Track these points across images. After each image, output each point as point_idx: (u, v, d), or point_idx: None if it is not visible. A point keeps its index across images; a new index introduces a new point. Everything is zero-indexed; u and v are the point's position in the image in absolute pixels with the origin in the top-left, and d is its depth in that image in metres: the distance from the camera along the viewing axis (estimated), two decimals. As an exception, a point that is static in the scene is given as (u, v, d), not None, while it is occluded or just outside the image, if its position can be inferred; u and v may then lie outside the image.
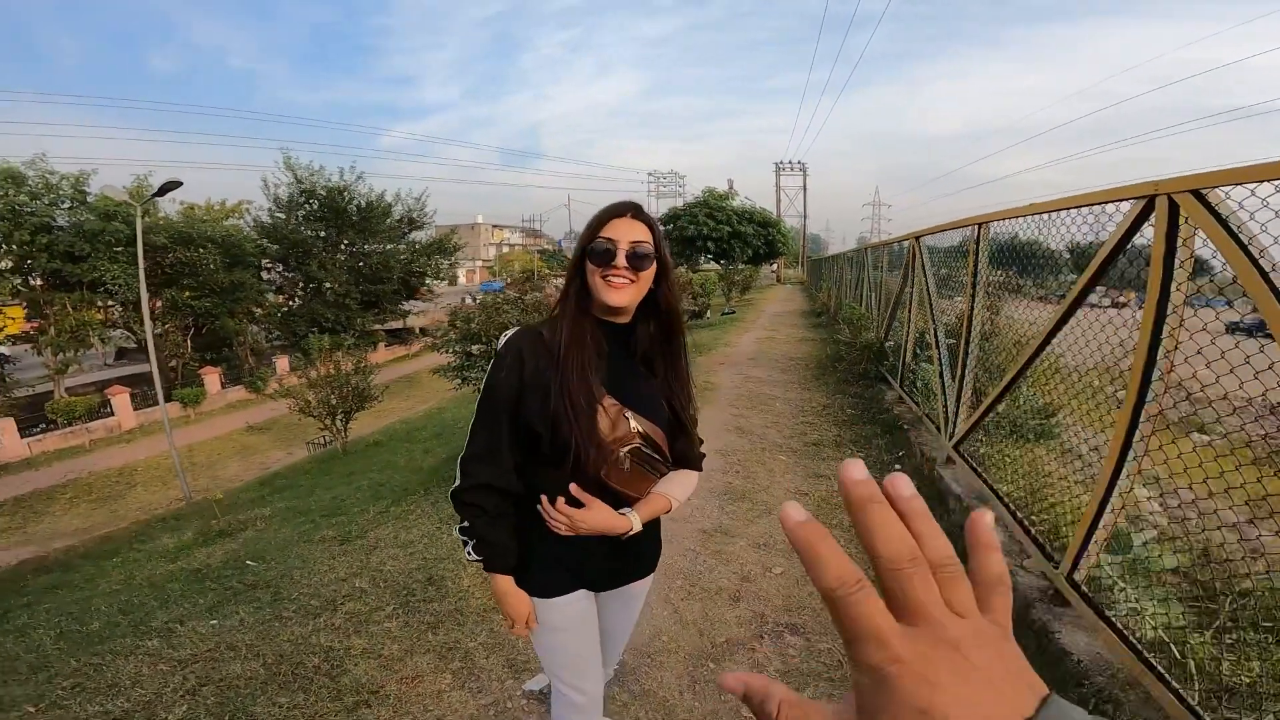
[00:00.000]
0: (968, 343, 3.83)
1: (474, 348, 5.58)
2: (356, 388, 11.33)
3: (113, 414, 18.39)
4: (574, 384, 1.25)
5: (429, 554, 3.54)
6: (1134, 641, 1.91)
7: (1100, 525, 2.15)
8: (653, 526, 1.45)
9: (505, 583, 1.37)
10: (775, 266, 48.25)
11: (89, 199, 19.71)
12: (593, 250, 1.27)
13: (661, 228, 1.33)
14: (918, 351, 5.72)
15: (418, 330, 31.96)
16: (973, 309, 3.80)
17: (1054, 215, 2.80)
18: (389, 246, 28.38)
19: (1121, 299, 2.53)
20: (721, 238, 34.32)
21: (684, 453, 1.46)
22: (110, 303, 20.41)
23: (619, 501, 1.34)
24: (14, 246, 18.10)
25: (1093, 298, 2.49)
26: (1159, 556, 2.19)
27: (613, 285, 1.26)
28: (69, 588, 5.35)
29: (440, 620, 2.80)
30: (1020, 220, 3.25)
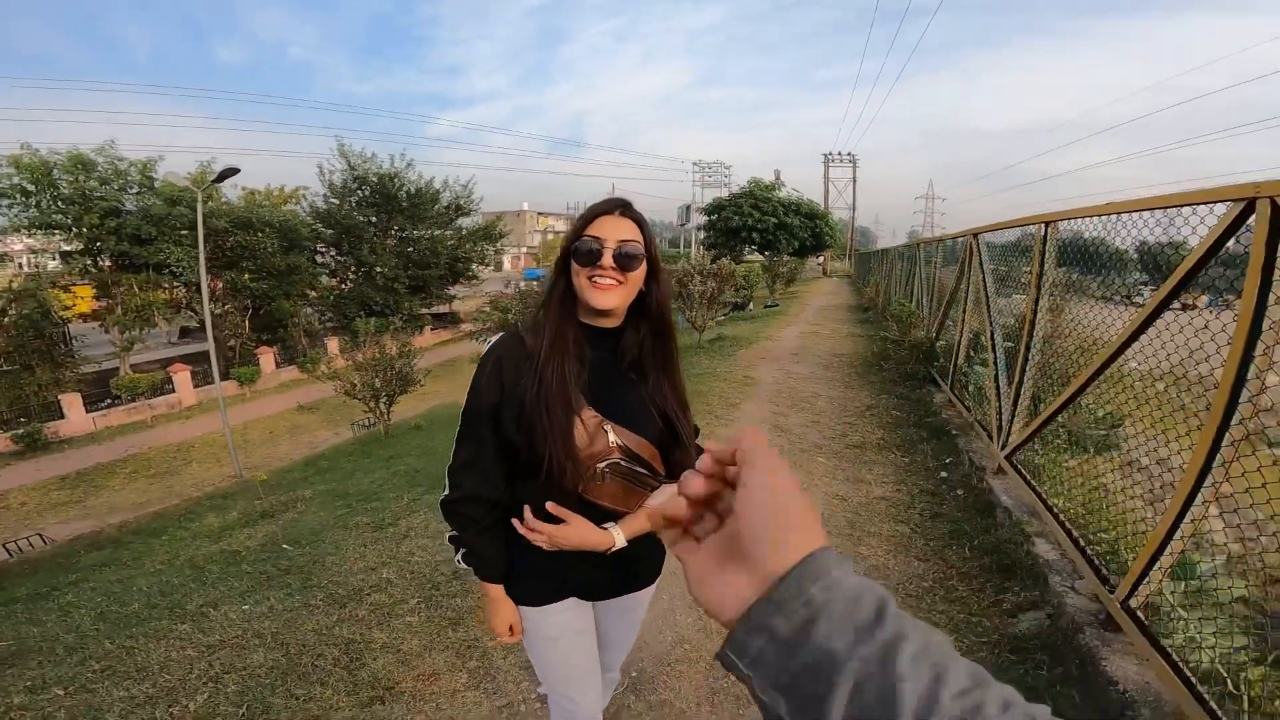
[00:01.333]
0: (1028, 346, 3.59)
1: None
2: (400, 371, 11.55)
3: (174, 391, 19.27)
4: (551, 394, 1.18)
5: (457, 546, 3.52)
6: (1186, 672, 1.79)
7: (1167, 551, 1.98)
8: (650, 538, 1.37)
9: (495, 591, 1.36)
10: (821, 259, 47.27)
11: (155, 184, 20.65)
12: (577, 250, 1.19)
13: (651, 228, 1.26)
14: (971, 353, 5.44)
15: (462, 315, 32.54)
16: (1035, 311, 3.55)
17: (1130, 216, 2.56)
18: (436, 232, 28.93)
19: (1194, 302, 2.30)
20: (767, 229, 33.80)
21: (680, 465, 1.35)
22: (175, 284, 21.38)
23: (605, 517, 1.27)
24: (83, 229, 19.15)
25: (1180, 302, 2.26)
26: (1227, 586, 2.00)
27: (599, 286, 1.19)
28: (117, 565, 5.56)
29: (462, 617, 2.77)
30: (1093, 220, 3.00)
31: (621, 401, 1.27)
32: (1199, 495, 1.87)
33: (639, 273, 1.22)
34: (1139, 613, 2.08)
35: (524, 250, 70.99)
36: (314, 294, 26.59)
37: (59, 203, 18.87)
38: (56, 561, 7.59)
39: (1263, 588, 1.96)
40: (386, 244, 27.34)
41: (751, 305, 20.51)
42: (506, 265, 52.25)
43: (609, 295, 1.19)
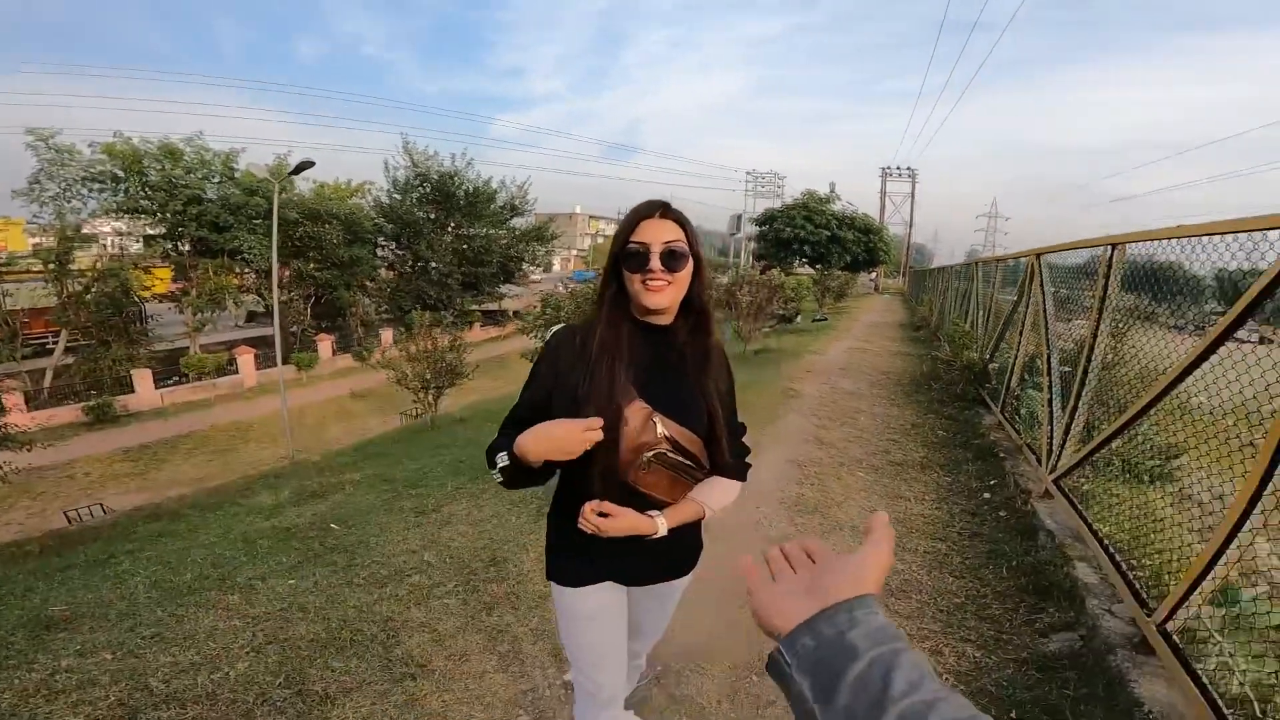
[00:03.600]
0: (1085, 371, 3.48)
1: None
2: (450, 364, 11.85)
3: (237, 372, 20.23)
4: (601, 386, 1.23)
5: (496, 534, 3.62)
6: (1214, 695, 1.78)
7: (1210, 575, 1.94)
8: (691, 529, 1.41)
9: (520, 439, 1.18)
10: (874, 275, 46.31)
11: (236, 175, 21.80)
12: (626, 256, 1.25)
13: (694, 226, 1.28)
14: (1025, 377, 5.28)
15: (511, 313, 33.16)
16: (1096, 335, 3.44)
17: (1204, 240, 2.47)
18: (491, 231, 29.55)
19: (1273, 335, 2.21)
20: (819, 241, 33.38)
21: (724, 460, 1.39)
22: (246, 269, 22.50)
23: (650, 506, 1.31)
24: (168, 215, 20.37)
25: (1241, 332, 2.18)
26: (1268, 614, 1.93)
27: (650, 289, 1.24)
28: (173, 536, 5.79)
29: (496, 602, 2.85)
30: (1161, 243, 2.90)
31: (671, 394, 1.31)
32: (1248, 522, 1.81)
33: (686, 270, 1.27)
34: (1174, 636, 2.06)
35: (574, 253, 71.80)
36: (372, 285, 27.52)
37: (146, 189, 20.08)
38: (115, 531, 7.94)
39: None
40: (443, 240, 28.09)
41: (800, 318, 20.25)
42: (556, 266, 52.98)
43: (660, 296, 1.24)
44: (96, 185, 19.76)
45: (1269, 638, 1.92)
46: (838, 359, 10.52)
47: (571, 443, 1.13)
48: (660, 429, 1.27)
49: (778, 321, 17.48)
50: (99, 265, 18.62)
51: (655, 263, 1.22)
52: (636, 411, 1.26)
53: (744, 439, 1.48)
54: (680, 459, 1.29)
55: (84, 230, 19.42)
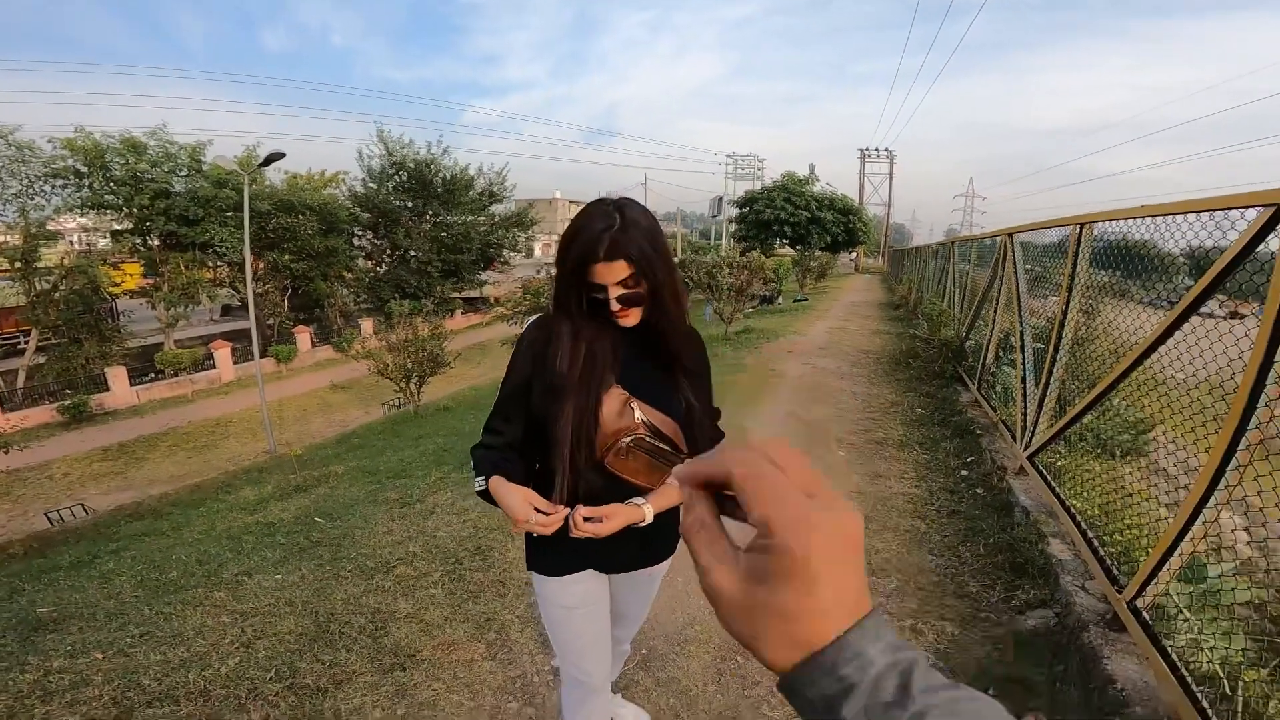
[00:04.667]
0: (1057, 347, 3.56)
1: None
2: (431, 353, 11.79)
3: (214, 367, 19.95)
4: (580, 372, 1.25)
5: (481, 523, 3.64)
6: (1184, 672, 1.81)
7: (1176, 552, 1.99)
8: (669, 515, 1.43)
9: (495, 483, 1.30)
10: (854, 255, 46.61)
11: (204, 167, 21.39)
12: (586, 287, 1.25)
13: (645, 244, 1.20)
14: (1000, 354, 5.38)
15: (492, 300, 32.97)
16: (1066, 312, 3.52)
17: (1168, 219, 2.53)
18: (470, 218, 29.34)
19: (1242, 310, 2.27)
20: (799, 223, 33.45)
21: (701, 444, 1.42)
22: (219, 263, 22.14)
23: (629, 490, 1.33)
24: (134, 210, 20.01)
25: (1211, 306, 2.24)
26: (1233, 590, 2.00)
27: (618, 317, 1.27)
28: (156, 535, 5.77)
29: (483, 590, 2.88)
30: (1129, 222, 2.96)
31: (648, 380, 1.33)
32: (1212, 498, 1.87)
33: (645, 292, 1.25)
34: (1144, 613, 2.10)
35: (555, 238, 71.24)
36: (350, 275, 27.23)
37: (111, 184, 19.68)
38: (98, 531, 7.88)
39: (1272, 591, 1.96)
40: (421, 228, 27.83)
41: (780, 299, 20.36)
42: (537, 251, 52.59)
43: (628, 319, 1.28)
44: (59, 181, 19.32)
45: (1236, 614, 1.98)
46: (818, 339, 10.61)
47: (518, 514, 1.22)
48: (637, 414, 1.29)
49: (759, 302, 17.58)
50: (66, 262, 18.21)
51: (615, 305, 1.24)
52: (614, 397, 1.28)
53: (718, 424, 1.51)
54: (658, 444, 1.31)
55: (48, 227, 18.92)
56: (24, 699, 2.29)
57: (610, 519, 1.27)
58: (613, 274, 1.20)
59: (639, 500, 1.33)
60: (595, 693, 1.55)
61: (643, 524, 1.33)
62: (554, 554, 1.43)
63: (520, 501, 1.23)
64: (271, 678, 2.33)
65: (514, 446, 1.38)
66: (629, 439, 1.28)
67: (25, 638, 2.91)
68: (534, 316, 1.41)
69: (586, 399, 1.25)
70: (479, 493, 1.33)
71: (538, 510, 1.23)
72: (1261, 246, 1.93)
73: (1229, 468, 1.82)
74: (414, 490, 4.54)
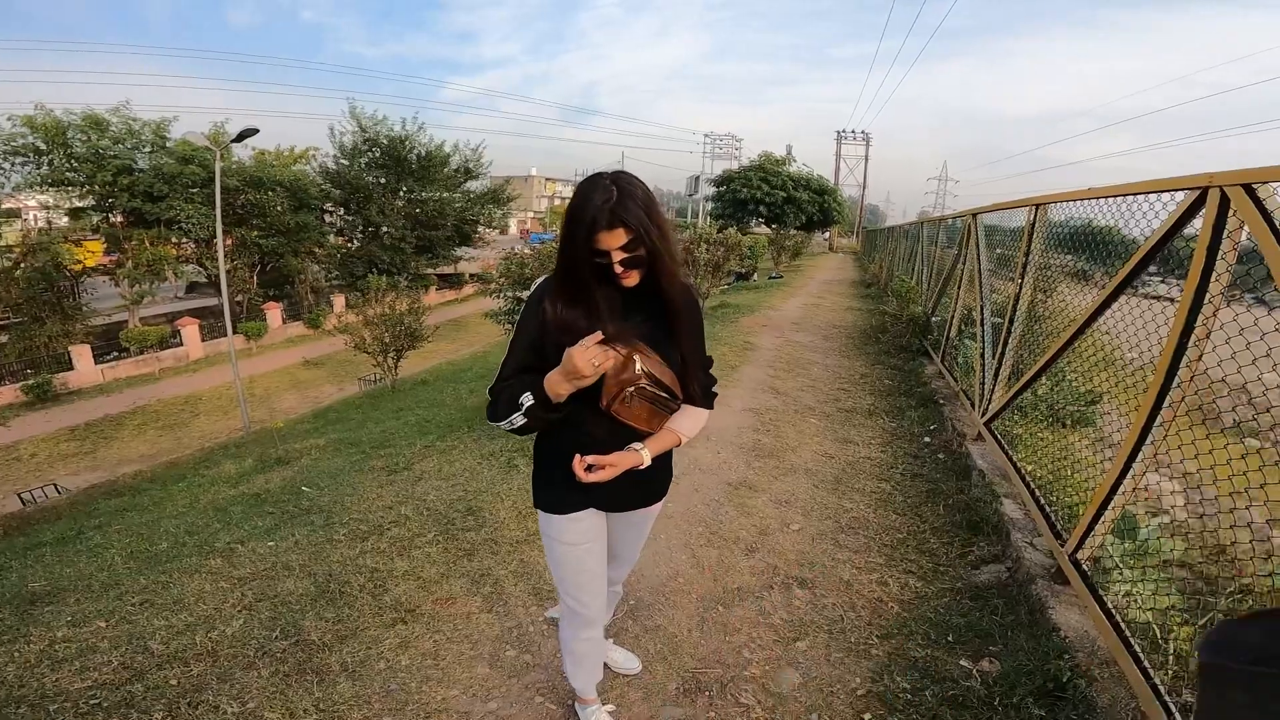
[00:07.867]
0: (1012, 321, 3.79)
1: (525, 293, 5.82)
2: (409, 327, 11.77)
3: (182, 344, 19.57)
4: (585, 328, 1.37)
5: (470, 486, 3.77)
6: (1119, 621, 1.98)
7: (1110, 506, 2.19)
8: (663, 458, 1.58)
9: (544, 380, 1.38)
10: (828, 235, 47.03)
11: (169, 144, 20.93)
12: (593, 254, 1.34)
13: (644, 196, 1.32)
14: (963, 328, 5.64)
15: (468, 275, 32.69)
16: (1021, 288, 3.75)
17: (1116, 200, 2.73)
18: (445, 194, 28.92)
19: (1175, 292, 2.48)
20: (775, 202, 33.65)
21: (695, 392, 1.56)
22: (184, 239, 21.68)
23: (632, 435, 1.48)
24: (96, 187, 19.55)
25: (1162, 289, 2.44)
26: (1162, 543, 2.23)
27: (622, 279, 1.38)
28: (138, 510, 5.74)
29: (476, 548, 3.03)
30: (1083, 204, 3.17)
31: (647, 334, 1.46)
32: (1140, 453, 2.09)
33: (644, 255, 1.37)
34: (1084, 565, 2.29)
35: (531, 215, 70.46)
36: (321, 252, 26.75)
37: (72, 161, 19.26)
38: (76, 509, 7.79)
39: (1202, 553, 2.16)
40: (395, 205, 27.40)
41: (756, 276, 20.59)
42: (514, 229, 52.02)
43: (630, 280, 1.39)
44: (19, 159, 18.91)
45: (1170, 572, 2.18)
46: (792, 314, 10.86)
47: (581, 363, 1.28)
48: (640, 365, 1.42)
49: (735, 279, 17.77)
50: (27, 239, 17.67)
51: (618, 267, 1.36)
52: (619, 349, 1.40)
53: (711, 370, 1.65)
54: (658, 392, 1.45)
55: (7, 205, 18.35)
56: (32, 668, 2.31)
57: (612, 466, 1.42)
58: (614, 240, 1.31)
59: (638, 445, 1.48)
60: (590, 625, 1.72)
61: (641, 468, 1.48)
62: (562, 492, 1.55)
63: (577, 351, 1.29)
64: (277, 635, 2.41)
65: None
66: (632, 388, 1.41)
67: (22, 611, 2.90)
68: (541, 278, 1.53)
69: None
70: (524, 420, 1.40)
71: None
72: (1189, 228, 2.14)
73: (1155, 424, 2.04)
74: (400, 459, 4.64)
